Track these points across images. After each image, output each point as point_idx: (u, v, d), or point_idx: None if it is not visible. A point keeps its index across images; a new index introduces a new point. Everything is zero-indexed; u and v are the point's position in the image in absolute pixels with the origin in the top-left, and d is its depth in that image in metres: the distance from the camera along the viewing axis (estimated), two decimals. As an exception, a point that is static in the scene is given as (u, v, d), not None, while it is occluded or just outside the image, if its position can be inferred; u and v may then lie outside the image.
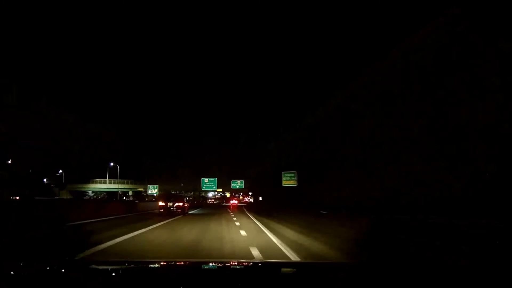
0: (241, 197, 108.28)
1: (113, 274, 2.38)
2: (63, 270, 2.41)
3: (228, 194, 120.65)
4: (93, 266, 2.74)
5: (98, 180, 73.52)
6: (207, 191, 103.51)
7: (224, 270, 2.54)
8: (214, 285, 2.16)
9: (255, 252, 7.28)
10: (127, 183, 75.36)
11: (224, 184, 77.72)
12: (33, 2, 55.65)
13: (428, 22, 17.10)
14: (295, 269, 2.59)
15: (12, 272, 2.12)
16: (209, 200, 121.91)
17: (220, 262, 3.06)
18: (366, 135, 23.13)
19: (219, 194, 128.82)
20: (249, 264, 3.02)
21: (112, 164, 66.14)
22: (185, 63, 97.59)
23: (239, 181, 75.66)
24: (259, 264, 3.01)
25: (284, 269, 2.62)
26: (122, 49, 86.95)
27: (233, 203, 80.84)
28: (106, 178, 70.69)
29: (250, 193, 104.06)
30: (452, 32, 15.33)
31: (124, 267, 2.69)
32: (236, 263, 3.12)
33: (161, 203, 23.65)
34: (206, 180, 72.87)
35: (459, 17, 14.84)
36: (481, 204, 12.43)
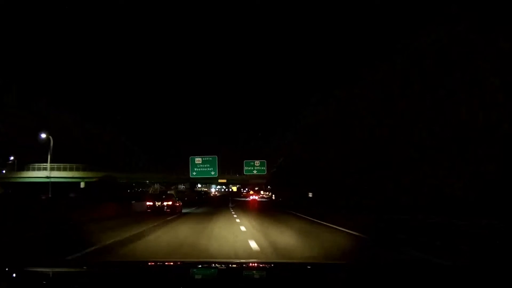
0: (251, 192, 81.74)
1: (115, 274, 2.38)
2: (61, 270, 2.41)
3: (234, 188, 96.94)
4: (92, 266, 2.73)
5: (40, 165, 48.14)
6: (205, 182, 73.16)
7: (225, 270, 2.53)
8: (214, 285, 2.16)
9: None
10: (78, 169, 51.10)
11: (230, 169, 52.53)
12: (33, 2, 55.58)
13: (428, 22, 17.10)
14: (295, 269, 2.58)
15: (11, 272, 2.12)
16: (213, 193, 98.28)
17: (221, 263, 3.06)
18: (366, 135, 23.13)
19: (222, 188, 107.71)
20: (250, 264, 3.02)
21: (43, 135, 38.45)
22: (185, 64, 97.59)
23: (257, 162, 47.53)
24: (260, 264, 3.01)
25: (284, 269, 2.62)
26: (122, 49, 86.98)
27: (253, 199, 51.88)
28: (47, 163, 44.60)
29: (256, 188, 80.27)
30: (452, 32, 15.33)
31: (126, 267, 2.69)
32: (237, 263, 3.12)
33: (148, 203, 21.79)
34: (197, 160, 45.66)
35: (459, 17, 14.84)
36: (481, 204, 12.44)
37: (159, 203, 20.87)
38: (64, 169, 50.12)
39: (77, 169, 51.46)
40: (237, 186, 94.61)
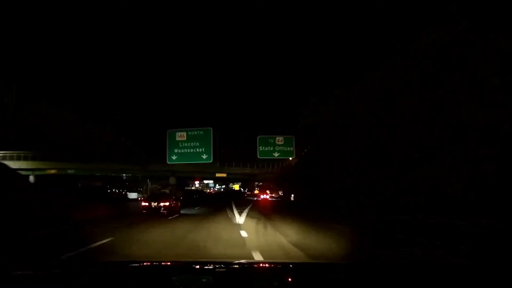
0: (256, 191, 69.95)
1: (113, 274, 2.38)
2: (61, 270, 2.42)
3: (236, 187, 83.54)
4: (91, 266, 2.74)
5: None
6: (194, 176, 53.05)
7: (224, 270, 2.54)
8: (215, 285, 2.17)
9: None
10: (26, 158, 40.12)
11: (232, 162, 39.61)
12: (33, 2, 55.56)
13: (428, 22, 17.12)
14: (295, 269, 2.59)
15: (13, 273, 2.13)
16: (209, 190, 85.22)
17: (221, 263, 3.06)
18: (366, 135, 23.16)
19: (222, 188, 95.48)
20: (249, 264, 3.02)
21: None
22: (184, 64, 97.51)
23: (280, 139, 31.39)
24: (259, 265, 3.01)
25: (284, 269, 2.63)
26: (122, 48, 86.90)
27: (263, 198, 43.81)
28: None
29: (257, 189, 70.47)
30: (452, 32, 15.34)
31: (124, 267, 2.69)
32: (236, 263, 3.12)
33: (144, 203, 20.66)
34: (180, 135, 30.10)
35: (459, 17, 14.85)
36: (481, 204, 12.44)
37: (155, 204, 19.86)
38: (11, 158, 38.19)
39: (25, 159, 39.90)
40: (239, 184, 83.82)
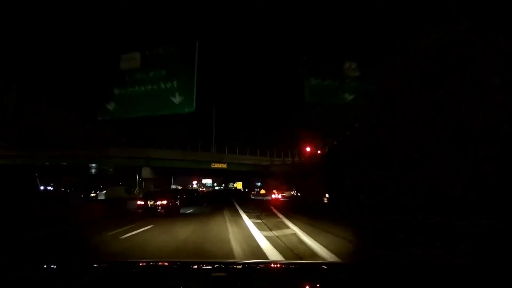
0: (262, 191, 61.57)
1: (113, 274, 2.38)
2: (62, 271, 2.42)
3: (239, 185, 75.36)
4: (91, 266, 2.74)
5: None
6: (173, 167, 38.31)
7: (224, 270, 2.53)
8: (215, 284, 2.17)
9: None
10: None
11: (235, 148, 30.53)
12: (33, 2, 55.39)
13: (428, 22, 17.11)
14: (295, 269, 2.58)
15: (13, 273, 2.12)
16: (200, 189, 76.92)
17: (220, 263, 3.06)
18: (366, 135, 23.16)
19: (220, 187, 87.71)
20: (249, 264, 3.02)
21: None
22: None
23: (352, 66, 16.71)
24: (259, 265, 3.01)
25: (284, 269, 2.62)
26: (122, 48, 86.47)
27: (275, 198, 39.27)
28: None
29: (258, 188, 63.90)
30: (452, 32, 15.33)
31: (124, 267, 2.69)
32: (236, 263, 3.12)
33: (139, 202, 19.30)
34: (127, 61, 15.51)
35: (459, 17, 14.84)
36: (481, 204, 12.44)
37: (152, 203, 18.67)
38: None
39: None
40: (241, 183, 75.95)
